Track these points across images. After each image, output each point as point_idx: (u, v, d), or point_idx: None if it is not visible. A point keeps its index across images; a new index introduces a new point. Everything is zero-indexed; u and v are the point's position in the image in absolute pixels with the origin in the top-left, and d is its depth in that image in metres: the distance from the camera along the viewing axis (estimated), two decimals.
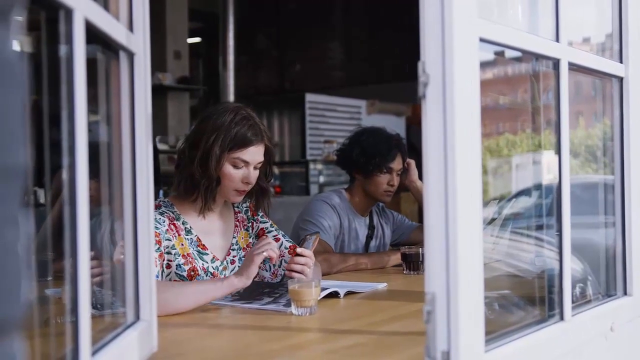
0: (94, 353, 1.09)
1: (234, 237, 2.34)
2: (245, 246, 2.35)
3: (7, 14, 0.56)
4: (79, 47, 1.00)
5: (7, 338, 0.55)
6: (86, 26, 1.03)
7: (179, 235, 2.18)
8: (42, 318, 1.27)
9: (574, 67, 1.56)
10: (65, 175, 1.01)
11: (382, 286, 2.33)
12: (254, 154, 2.19)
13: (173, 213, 2.21)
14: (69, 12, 0.98)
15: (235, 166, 2.17)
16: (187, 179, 2.19)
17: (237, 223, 2.37)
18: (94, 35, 1.10)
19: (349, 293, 2.17)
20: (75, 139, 1.00)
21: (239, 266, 2.28)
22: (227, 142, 2.14)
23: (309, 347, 1.59)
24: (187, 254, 2.17)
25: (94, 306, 1.22)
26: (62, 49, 1.01)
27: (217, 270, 2.24)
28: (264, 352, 1.52)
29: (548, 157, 1.89)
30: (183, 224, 2.21)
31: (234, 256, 2.32)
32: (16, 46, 0.58)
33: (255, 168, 2.21)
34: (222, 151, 2.14)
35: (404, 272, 2.65)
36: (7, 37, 0.55)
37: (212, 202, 2.23)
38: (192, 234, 2.22)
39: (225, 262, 2.28)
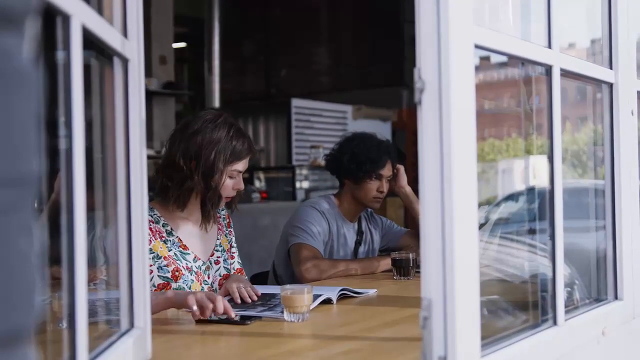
0: None
1: (218, 239, 2.41)
2: (226, 249, 2.43)
3: (21, 23, 0.55)
4: (76, 53, 1.00)
5: (23, 346, 0.54)
6: (83, 32, 1.03)
7: (157, 239, 2.22)
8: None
9: (564, 73, 1.57)
10: (62, 181, 1.00)
11: (372, 292, 2.33)
12: (246, 163, 2.32)
13: (152, 216, 2.24)
14: (66, 18, 0.98)
15: (231, 177, 2.28)
16: (187, 192, 2.24)
17: (220, 226, 2.45)
18: (89, 41, 1.10)
19: (342, 296, 2.17)
20: (72, 145, 0.99)
21: (224, 267, 2.38)
22: (228, 157, 2.24)
23: (304, 354, 1.59)
24: (169, 256, 2.22)
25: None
26: (59, 55, 1.00)
27: (200, 269, 2.30)
28: (258, 358, 1.52)
29: (534, 162, 1.90)
30: (163, 226, 2.27)
31: (218, 257, 2.39)
32: (29, 55, 0.57)
33: (242, 175, 2.33)
34: (224, 166, 2.24)
35: (394, 277, 2.65)
36: (21, 45, 0.55)
37: (215, 213, 2.34)
38: (173, 235, 2.27)
39: (208, 262, 2.34)
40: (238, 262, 2.49)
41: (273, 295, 2.17)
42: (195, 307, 1.80)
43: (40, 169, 0.58)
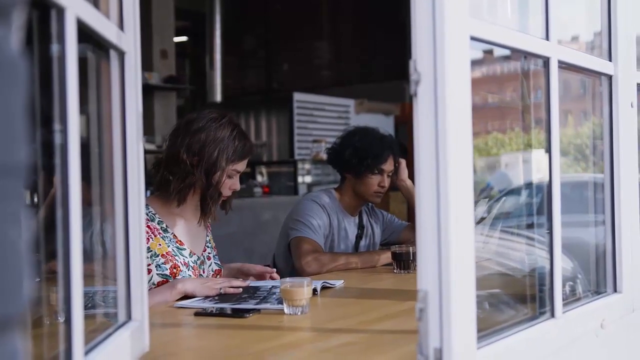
0: (87, 353, 1.08)
1: (207, 236, 2.46)
2: (213, 246, 2.49)
3: (9, 14, 0.56)
4: (70, 46, 1.00)
5: (10, 334, 0.55)
6: (77, 25, 1.03)
7: (156, 236, 2.25)
8: (31, 318, 1.27)
9: (563, 66, 1.57)
10: (57, 175, 1.00)
11: (339, 283, 2.36)
12: (245, 164, 2.36)
13: (147, 214, 2.25)
14: (60, 11, 0.98)
15: (230, 176, 2.31)
16: (188, 187, 2.27)
17: (208, 225, 2.49)
18: (84, 34, 1.10)
19: (324, 288, 2.23)
20: (67, 139, 0.99)
21: (214, 262, 2.44)
22: (231, 156, 2.27)
23: (302, 346, 1.59)
24: (167, 253, 2.25)
25: (85, 306, 1.22)
26: (54, 48, 1.00)
27: (196, 264, 2.34)
28: (256, 351, 1.52)
29: (537, 156, 1.90)
30: (158, 223, 2.29)
31: (209, 253, 2.44)
32: (17, 45, 0.58)
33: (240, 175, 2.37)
34: (226, 164, 2.27)
35: (394, 271, 2.65)
36: (9, 36, 0.56)
37: (215, 209, 2.35)
38: (168, 232, 2.29)
39: (202, 257, 2.38)
40: (217, 263, 2.51)
41: (257, 288, 2.19)
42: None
43: (29, 160, 0.58)
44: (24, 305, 0.57)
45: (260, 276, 2.41)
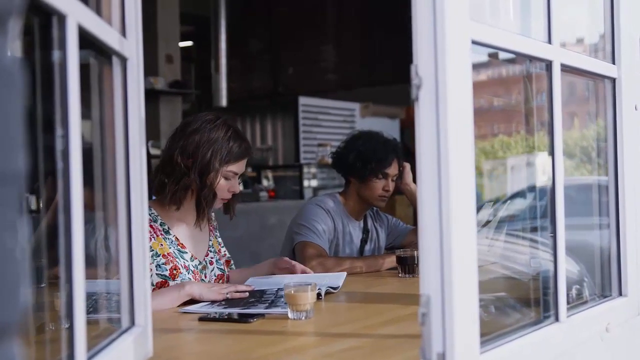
0: (90, 358, 1.08)
1: (210, 240, 2.45)
2: (217, 250, 2.47)
3: (5, 21, 0.56)
4: (72, 53, 1.00)
5: (6, 342, 0.55)
6: (79, 31, 1.03)
7: (158, 236, 2.26)
8: (36, 324, 1.27)
9: (566, 69, 1.57)
10: (59, 181, 1.00)
11: (342, 277, 2.38)
12: (244, 165, 2.35)
13: (150, 215, 2.26)
14: (62, 18, 0.98)
15: (226, 178, 2.30)
16: (183, 189, 2.27)
17: (211, 228, 2.49)
18: (86, 40, 1.10)
19: (328, 293, 2.22)
20: (69, 145, 1.00)
21: (217, 267, 2.43)
22: (224, 157, 2.26)
23: (306, 351, 1.59)
24: (168, 254, 2.26)
25: (88, 311, 1.22)
26: (55, 55, 1.01)
27: (197, 269, 2.34)
28: (260, 356, 1.52)
29: (542, 159, 1.89)
30: (161, 225, 2.30)
31: (211, 257, 2.43)
32: (14, 53, 0.58)
33: (239, 178, 2.36)
34: (220, 165, 2.26)
35: (399, 275, 2.65)
36: (5, 43, 0.56)
37: (209, 211, 2.35)
38: (170, 234, 2.30)
39: (204, 262, 2.38)
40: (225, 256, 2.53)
41: (264, 292, 2.18)
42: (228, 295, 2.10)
43: (26, 167, 0.59)
44: (21, 313, 0.57)
45: (291, 270, 2.43)
